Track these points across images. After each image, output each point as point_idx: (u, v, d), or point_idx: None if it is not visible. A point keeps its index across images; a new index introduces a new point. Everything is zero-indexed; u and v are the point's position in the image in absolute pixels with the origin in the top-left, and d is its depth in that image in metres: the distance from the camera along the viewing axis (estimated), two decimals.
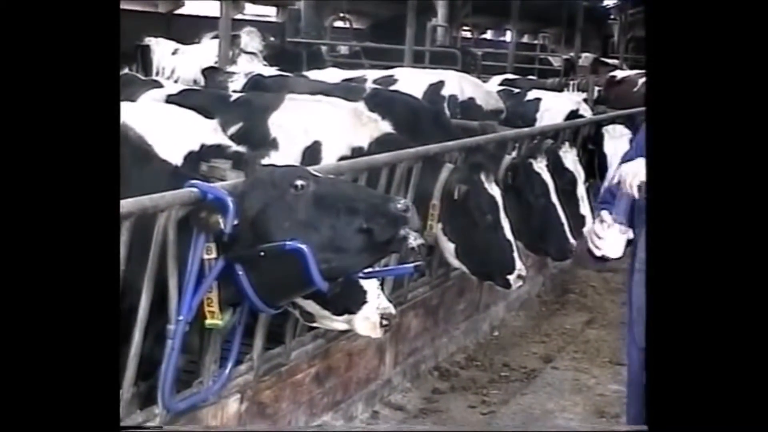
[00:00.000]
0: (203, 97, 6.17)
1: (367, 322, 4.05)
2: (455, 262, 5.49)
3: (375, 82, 8.56)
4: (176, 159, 3.98)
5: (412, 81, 8.65)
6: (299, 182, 3.48)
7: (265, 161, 3.80)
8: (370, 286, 4.05)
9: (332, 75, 9.14)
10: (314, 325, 4.30)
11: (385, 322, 4.05)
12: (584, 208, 6.56)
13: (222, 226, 3.42)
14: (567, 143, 6.94)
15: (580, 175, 6.66)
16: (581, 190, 6.59)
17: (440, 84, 8.70)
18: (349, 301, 4.00)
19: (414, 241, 3.40)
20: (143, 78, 8.05)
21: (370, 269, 3.99)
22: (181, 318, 3.55)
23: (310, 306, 4.02)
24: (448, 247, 5.39)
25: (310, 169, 3.76)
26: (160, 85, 6.77)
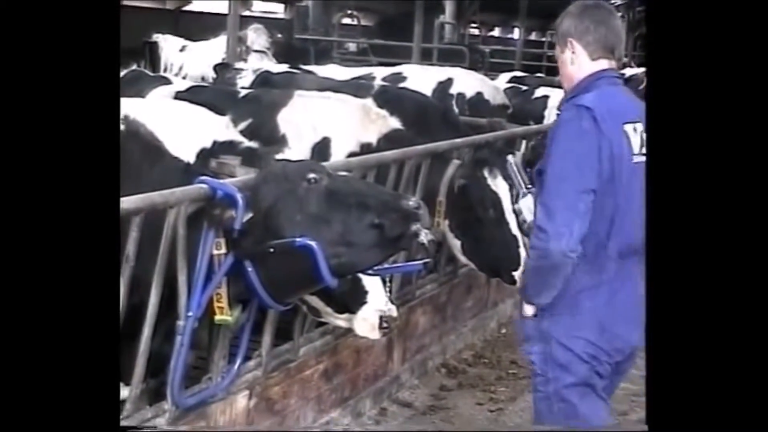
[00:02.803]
0: (212, 94, 6.17)
1: (365, 323, 4.06)
2: (462, 259, 5.50)
3: (383, 79, 8.56)
4: (188, 156, 3.99)
5: (421, 78, 8.65)
6: (312, 176, 3.49)
7: (278, 157, 3.80)
8: (373, 286, 4.05)
9: (340, 72, 9.14)
10: (321, 320, 4.31)
11: (384, 325, 4.06)
12: None
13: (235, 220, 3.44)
14: None
15: None
16: None
17: (449, 82, 8.70)
18: (350, 300, 4.01)
19: (425, 237, 3.40)
20: (152, 74, 8.06)
21: (378, 266, 4.00)
22: (190, 314, 3.55)
23: (315, 301, 4.04)
24: (455, 244, 5.40)
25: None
26: (168, 82, 6.78)
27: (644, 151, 3.52)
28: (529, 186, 4.07)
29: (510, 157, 4.21)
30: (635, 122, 3.57)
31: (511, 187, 4.28)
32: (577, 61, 3.68)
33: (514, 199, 4.22)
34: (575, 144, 3.49)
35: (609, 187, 3.48)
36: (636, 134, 3.56)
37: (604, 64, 3.68)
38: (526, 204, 3.99)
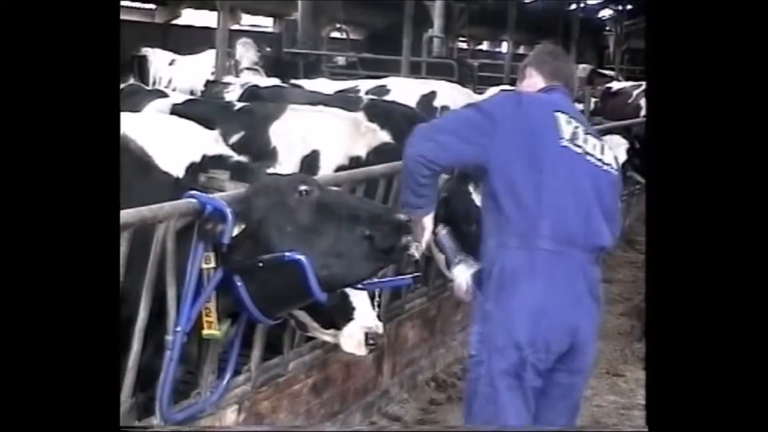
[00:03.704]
0: (208, 107, 6.22)
1: (351, 339, 4.06)
2: (448, 273, 5.49)
3: (368, 92, 8.59)
4: (178, 170, 3.99)
5: (404, 91, 8.69)
6: (303, 187, 3.50)
7: (269, 170, 3.81)
8: (361, 303, 4.05)
9: (326, 86, 9.18)
10: (309, 335, 4.30)
11: (371, 341, 4.06)
12: None
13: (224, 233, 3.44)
14: None
15: None
16: None
17: (432, 94, 8.74)
18: (338, 315, 4.01)
19: (415, 249, 3.42)
20: (148, 89, 8.11)
21: (368, 280, 4.00)
22: (179, 329, 3.54)
23: (303, 316, 4.04)
24: (440, 258, 5.39)
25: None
26: (165, 95, 6.81)
27: (579, 144, 3.70)
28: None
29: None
30: (572, 118, 3.75)
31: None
32: (533, 85, 3.96)
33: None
34: (481, 107, 3.78)
35: (531, 164, 3.62)
36: (569, 125, 3.71)
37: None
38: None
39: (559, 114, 3.71)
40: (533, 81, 3.94)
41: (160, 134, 4.22)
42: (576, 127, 3.73)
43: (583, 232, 3.67)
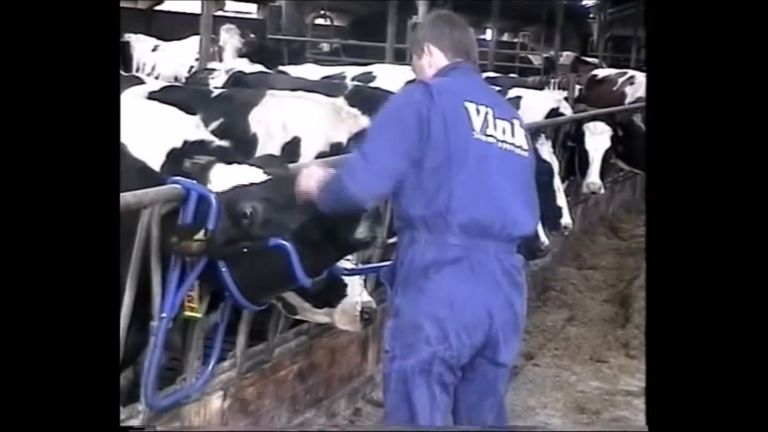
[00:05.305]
0: (185, 94, 6.16)
1: (346, 315, 4.04)
2: None
3: (354, 78, 8.58)
4: (159, 156, 3.97)
5: (390, 77, 8.68)
6: (248, 211, 3.48)
7: (211, 172, 3.70)
8: (352, 280, 4.05)
9: (312, 72, 9.17)
10: (297, 317, 4.29)
11: (365, 316, 4.05)
12: (560, 199, 6.59)
13: (199, 246, 3.42)
14: (543, 135, 6.95)
15: (555, 166, 6.71)
16: (557, 181, 6.64)
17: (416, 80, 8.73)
18: (330, 294, 3.99)
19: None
20: (125, 74, 8.05)
21: (351, 267, 4.01)
22: (163, 315, 3.54)
23: (292, 298, 4.01)
24: None
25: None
26: (141, 82, 6.75)
27: (489, 132, 3.55)
28: None
29: None
30: (481, 104, 3.58)
31: None
32: (434, 63, 3.72)
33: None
34: (402, 108, 3.54)
35: (444, 158, 3.47)
36: (479, 115, 3.55)
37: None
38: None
39: (468, 104, 3.56)
40: (434, 59, 3.72)
41: (141, 120, 4.19)
42: (486, 114, 3.58)
43: (499, 223, 3.54)
